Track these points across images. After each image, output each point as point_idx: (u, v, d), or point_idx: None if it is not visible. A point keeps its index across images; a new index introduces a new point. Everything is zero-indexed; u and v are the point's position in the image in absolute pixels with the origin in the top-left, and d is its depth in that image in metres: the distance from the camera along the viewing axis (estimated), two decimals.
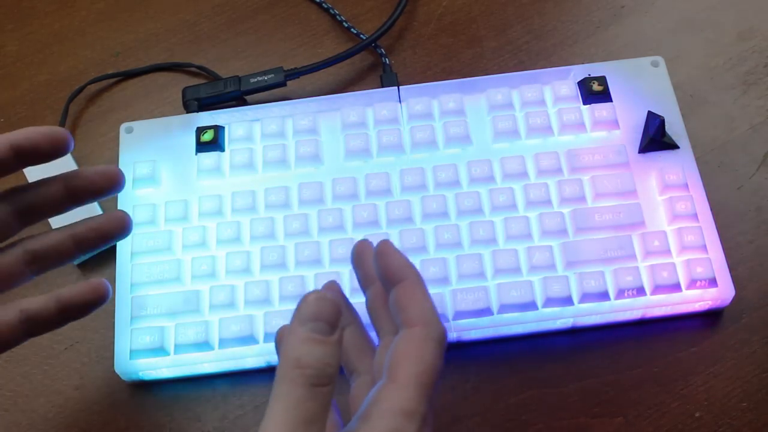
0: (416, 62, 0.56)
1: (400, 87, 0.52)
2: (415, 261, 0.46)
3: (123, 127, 0.52)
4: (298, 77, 0.54)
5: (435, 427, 0.32)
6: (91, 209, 0.50)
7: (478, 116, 0.51)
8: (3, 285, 0.38)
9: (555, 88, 0.51)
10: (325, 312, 0.30)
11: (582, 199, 0.48)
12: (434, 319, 0.32)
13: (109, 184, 0.39)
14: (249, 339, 0.45)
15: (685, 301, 0.46)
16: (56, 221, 0.49)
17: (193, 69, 0.57)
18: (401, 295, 0.33)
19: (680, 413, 0.44)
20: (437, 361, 0.31)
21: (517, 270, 0.45)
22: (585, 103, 0.50)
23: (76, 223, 0.40)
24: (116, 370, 0.45)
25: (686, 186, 0.48)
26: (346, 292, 0.45)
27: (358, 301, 0.39)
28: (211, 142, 0.50)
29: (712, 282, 0.45)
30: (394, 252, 0.34)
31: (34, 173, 0.52)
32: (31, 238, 0.38)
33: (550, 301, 0.45)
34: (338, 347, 0.30)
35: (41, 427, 0.45)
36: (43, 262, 0.38)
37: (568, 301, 0.45)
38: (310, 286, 0.46)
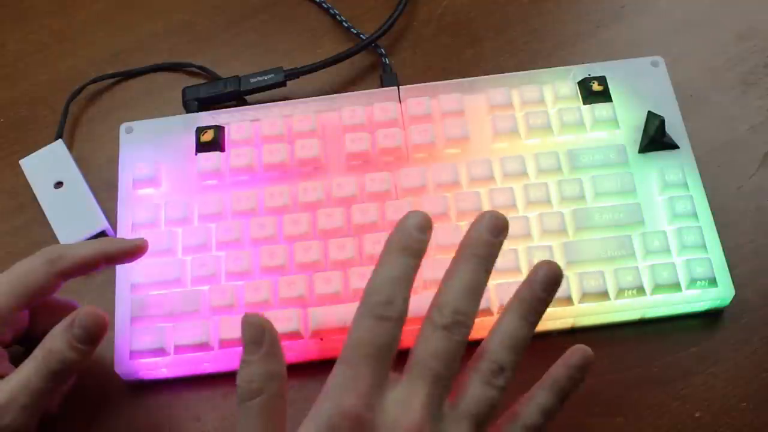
0: (416, 62, 0.56)
1: (400, 87, 0.52)
2: None
3: (123, 127, 0.52)
4: (298, 77, 0.54)
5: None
6: (92, 212, 0.51)
7: (478, 116, 0.51)
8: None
9: (555, 88, 0.51)
10: (247, 334, 0.34)
11: (582, 199, 0.48)
12: (367, 288, 0.34)
13: (140, 253, 0.45)
14: None
15: (685, 301, 0.46)
16: (51, 213, 0.50)
17: (193, 69, 0.57)
18: None
19: (680, 413, 0.44)
20: (355, 331, 0.33)
21: (516, 270, 0.45)
22: (585, 103, 0.50)
23: (107, 242, 0.45)
24: (116, 370, 0.45)
25: (686, 186, 0.48)
26: (349, 292, 0.45)
27: None
28: (211, 142, 0.50)
29: (712, 282, 0.45)
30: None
31: (31, 169, 0.52)
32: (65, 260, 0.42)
33: None
34: (263, 363, 0.34)
35: (40, 427, 0.45)
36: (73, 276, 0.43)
37: (568, 301, 0.45)
38: (311, 287, 0.46)
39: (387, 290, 0.33)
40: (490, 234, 0.35)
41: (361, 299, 0.34)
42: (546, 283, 0.35)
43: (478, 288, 0.34)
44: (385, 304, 0.33)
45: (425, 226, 0.34)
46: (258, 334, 0.34)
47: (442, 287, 0.35)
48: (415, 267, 0.34)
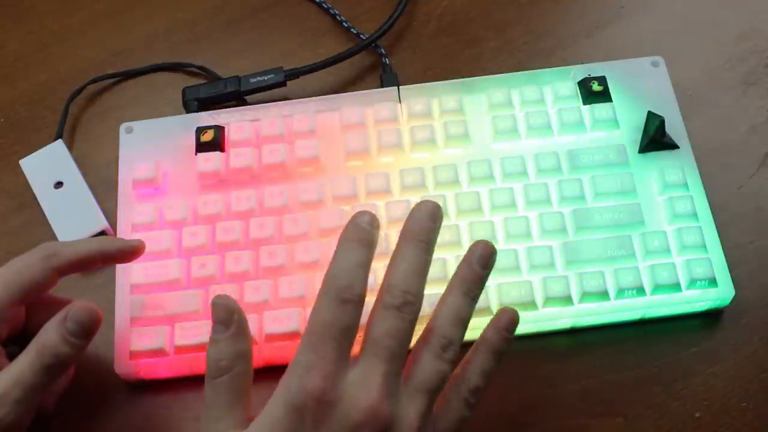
0: (416, 62, 0.56)
1: (400, 87, 0.52)
2: None
3: (123, 127, 0.52)
4: (298, 77, 0.54)
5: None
6: (92, 212, 0.51)
7: (478, 116, 0.51)
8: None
9: (555, 88, 0.51)
10: (217, 315, 0.36)
11: (582, 199, 0.48)
12: (328, 275, 0.35)
13: (137, 255, 0.45)
14: None
15: (685, 301, 0.46)
16: (51, 213, 0.50)
17: (193, 69, 0.57)
18: None
19: (680, 413, 0.44)
20: (318, 314, 0.34)
21: (516, 270, 0.45)
22: (585, 103, 0.50)
23: (105, 240, 0.46)
24: (116, 370, 0.45)
25: (686, 186, 0.48)
26: None
27: None
28: (211, 142, 0.50)
29: (712, 282, 0.45)
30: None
31: (31, 169, 0.52)
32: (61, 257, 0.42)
33: (550, 301, 0.45)
34: (230, 342, 0.36)
35: (41, 427, 0.45)
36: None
37: (568, 301, 0.45)
38: (310, 288, 0.46)
39: (347, 275, 0.35)
40: (430, 220, 0.37)
41: (322, 285, 0.35)
42: (482, 261, 0.38)
43: (423, 269, 0.37)
44: (347, 287, 0.34)
45: (374, 223, 0.37)
46: (227, 315, 0.36)
47: (390, 271, 0.36)
48: (370, 255, 0.36)
